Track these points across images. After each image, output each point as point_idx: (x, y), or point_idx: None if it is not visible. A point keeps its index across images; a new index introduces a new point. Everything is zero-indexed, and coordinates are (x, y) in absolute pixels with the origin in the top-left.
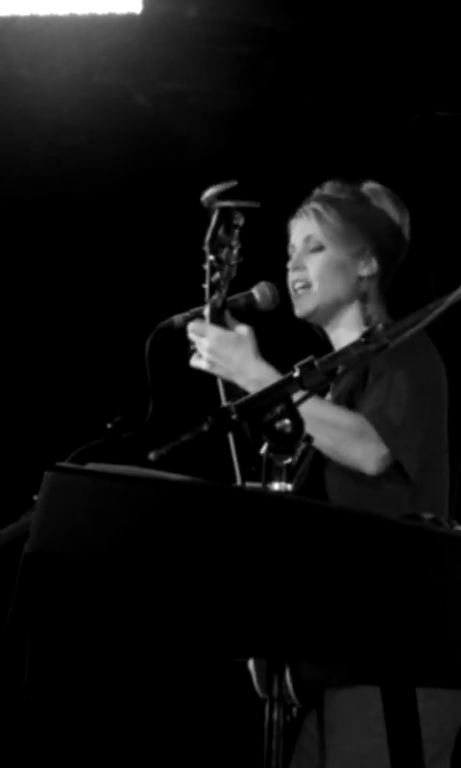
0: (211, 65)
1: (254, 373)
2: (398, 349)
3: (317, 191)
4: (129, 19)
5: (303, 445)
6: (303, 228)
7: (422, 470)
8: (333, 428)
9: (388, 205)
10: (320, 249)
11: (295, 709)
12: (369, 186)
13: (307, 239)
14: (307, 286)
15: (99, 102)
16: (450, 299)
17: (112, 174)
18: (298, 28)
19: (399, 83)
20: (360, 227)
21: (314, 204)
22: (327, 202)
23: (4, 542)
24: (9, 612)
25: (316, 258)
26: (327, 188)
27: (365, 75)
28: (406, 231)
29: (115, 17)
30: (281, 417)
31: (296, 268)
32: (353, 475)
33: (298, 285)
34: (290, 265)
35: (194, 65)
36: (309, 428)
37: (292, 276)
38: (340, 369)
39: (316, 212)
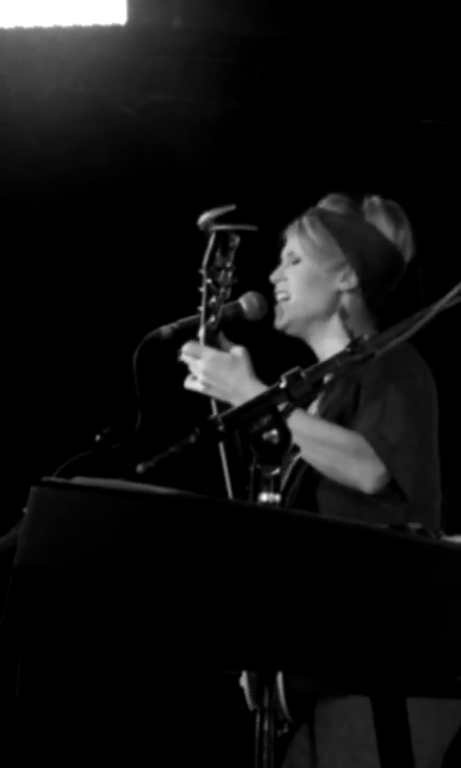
0: (197, 75)
1: (250, 394)
2: (389, 365)
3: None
4: (114, 30)
5: (294, 461)
6: (290, 242)
7: (416, 488)
8: (329, 447)
9: (381, 221)
10: (297, 261)
11: (286, 725)
12: (369, 201)
13: (290, 253)
14: (287, 298)
15: (86, 113)
16: (437, 307)
17: (99, 184)
18: (284, 37)
19: (385, 91)
20: (342, 241)
21: (304, 218)
22: (317, 215)
23: None
24: (0, 625)
25: (293, 270)
26: (325, 200)
27: (351, 84)
28: (403, 248)
29: (101, 29)
30: (268, 428)
31: (277, 280)
32: (347, 492)
33: (280, 297)
34: (272, 277)
35: (180, 75)
36: (305, 448)
37: (276, 289)
38: (327, 379)
39: (300, 226)
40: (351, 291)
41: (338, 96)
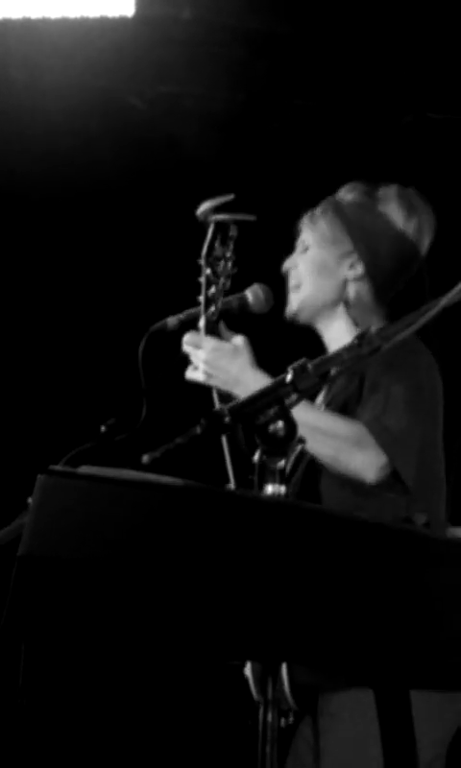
0: (205, 68)
1: (252, 384)
2: (394, 357)
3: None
4: (121, 22)
5: (296, 451)
6: (303, 231)
7: (419, 479)
8: (331, 437)
9: (393, 209)
10: (307, 250)
11: (291, 715)
12: (385, 189)
13: (303, 241)
14: (298, 286)
15: (93, 104)
16: (444, 301)
17: (107, 176)
18: (291, 30)
19: (391, 84)
20: (350, 229)
21: (319, 207)
22: (330, 204)
23: None
24: (3, 614)
25: (302, 258)
26: (342, 190)
27: (358, 77)
28: (418, 235)
29: (108, 20)
30: (274, 419)
31: (289, 268)
32: (350, 484)
33: (291, 284)
34: (285, 266)
35: (187, 68)
36: (308, 439)
37: (289, 277)
38: (333, 371)
39: (311, 215)
40: (357, 279)
41: (345, 89)
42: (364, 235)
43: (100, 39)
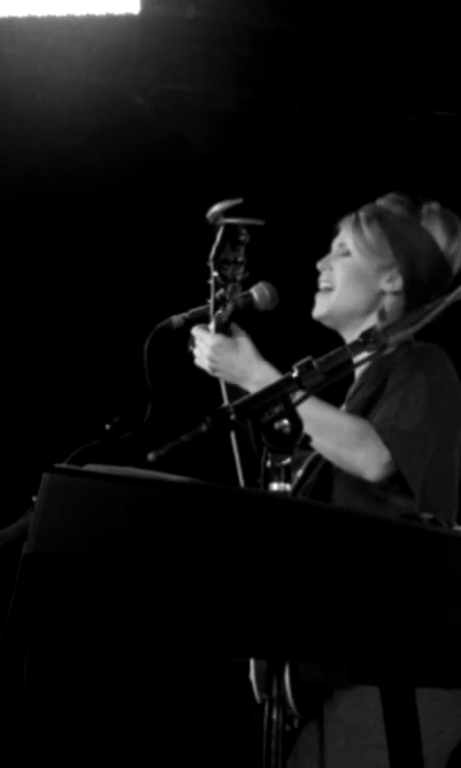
0: (209, 66)
1: (257, 374)
2: (418, 362)
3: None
4: (127, 20)
5: (309, 458)
6: (342, 234)
7: (430, 484)
8: (335, 431)
9: (438, 230)
10: (347, 254)
11: (295, 721)
12: (429, 206)
13: (342, 244)
14: (330, 289)
15: (98, 102)
16: (449, 299)
17: (111, 174)
18: (296, 29)
19: (397, 83)
20: (394, 243)
21: (361, 213)
22: (374, 212)
23: (3, 544)
24: (8, 613)
25: (341, 262)
26: (385, 199)
27: (363, 75)
28: (454, 259)
29: (114, 18)
30: (280, 417)
31: (323, 268)
32: (361, 490)
33: (322, 286)
34: (319, 265)
35: (192, 66)
36: (311, 432)
37: (320, 277)
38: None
39: (356, 220)
40: (394, 293)
41: (350, 88)
42: (408, 251)
43: (105, 37)
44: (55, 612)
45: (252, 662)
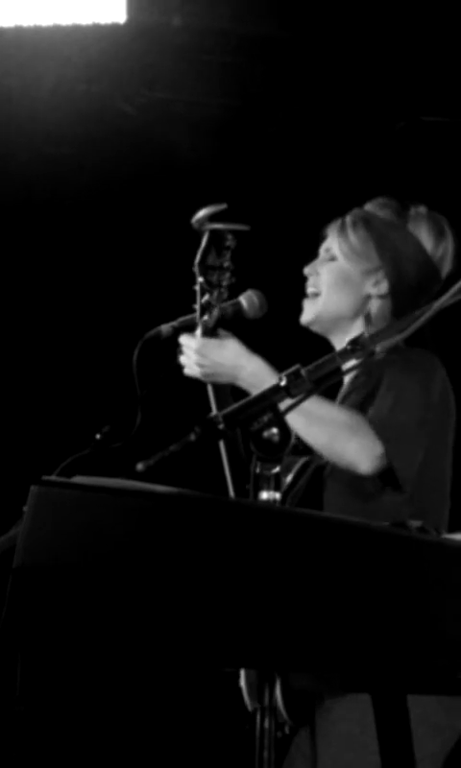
0: (197, 74)
1: (248, 366)
2: (411, 364)
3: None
4: (113, 29)
5: (298, 464)
6: (329, 239)
7: (422, 487)
8: (327, 424)
9: (423, 232)
10: (333, 259)
11: (287, 727)
12: (416, 209)
13: (328, 249)
14: (317, 294)
15: (85, 111)
16: (437, 305)
17: (99, 183)
18: (283, 36)
19: (385, 89)
20: (380, 246)
21: (347, 217)
22: (360, 217)
23: None
24: (0, 624)
25: (328, 267)
26: (372, 203)
27: (351, 82)
28: (441, 262)
29: (100, 27)
30: (269, 426)
31: (310, 274)
32: (351, 494)
33: (309, 291)
34: (306, 270)
35: (179, 74)
36: (304, 424)
37: (308, 283)
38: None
39: (342, 225)
40: (380, 297)
41: (338, 94)
42: (393, 255)
43: (92, 46)
44: (46, 623)
45: (242, 671)
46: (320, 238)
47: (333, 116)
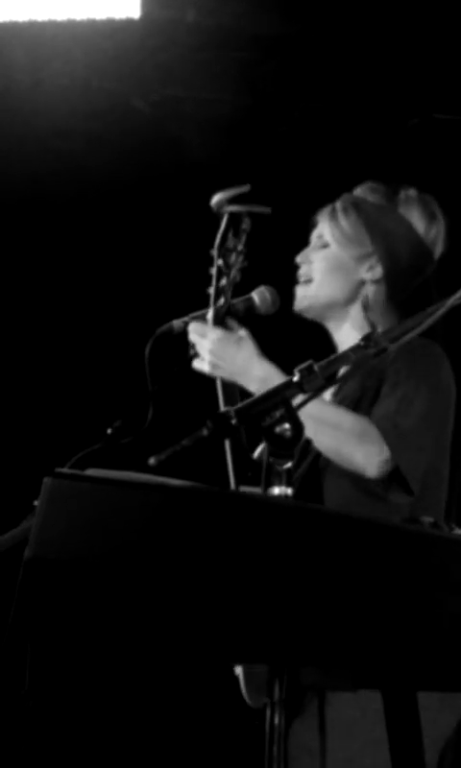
0: (209, 71)
1: (258, 371)
2: (414, 361)
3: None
4: (127, 24)
5: (299, 448)
6: (320, 226)
7: (425, 483)
8: (335, 429)
9: (415, 215)
10: (325, 246)
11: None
12: (406, 193)
13: (320, 236)
14: (309, 281)
15: (97, 107)
16: (450, 302)
17: (110, 179)
18: (296, 33)
19: (397, 86)
20: (372, 231)
21: (338, 203)
22: (351, 202)
23: (5, 548)
24: (10, 617)
25: (320, 254)
26: (361, 188)
27: (363, 79)
28: (434, 244)
29: (114, 22)
30: (281, 421)
31: (302, 262)
32: (352, 483)
33: (302, 279)
34: (298, 259)
35: (192, 71)
36: (311, 429)
37: (299, 271)
38: (342, 372)
39: (332, 211)
40: (374, 282)
41: (351, 91)
42: (386, 238)
43: (105, 41)
44: (56, 616)
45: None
46: (310, 225)
47: (345, 114)
